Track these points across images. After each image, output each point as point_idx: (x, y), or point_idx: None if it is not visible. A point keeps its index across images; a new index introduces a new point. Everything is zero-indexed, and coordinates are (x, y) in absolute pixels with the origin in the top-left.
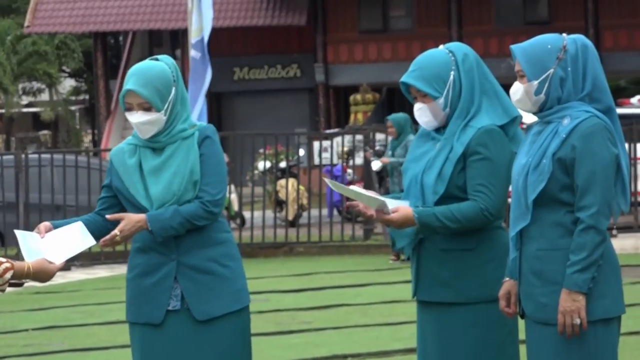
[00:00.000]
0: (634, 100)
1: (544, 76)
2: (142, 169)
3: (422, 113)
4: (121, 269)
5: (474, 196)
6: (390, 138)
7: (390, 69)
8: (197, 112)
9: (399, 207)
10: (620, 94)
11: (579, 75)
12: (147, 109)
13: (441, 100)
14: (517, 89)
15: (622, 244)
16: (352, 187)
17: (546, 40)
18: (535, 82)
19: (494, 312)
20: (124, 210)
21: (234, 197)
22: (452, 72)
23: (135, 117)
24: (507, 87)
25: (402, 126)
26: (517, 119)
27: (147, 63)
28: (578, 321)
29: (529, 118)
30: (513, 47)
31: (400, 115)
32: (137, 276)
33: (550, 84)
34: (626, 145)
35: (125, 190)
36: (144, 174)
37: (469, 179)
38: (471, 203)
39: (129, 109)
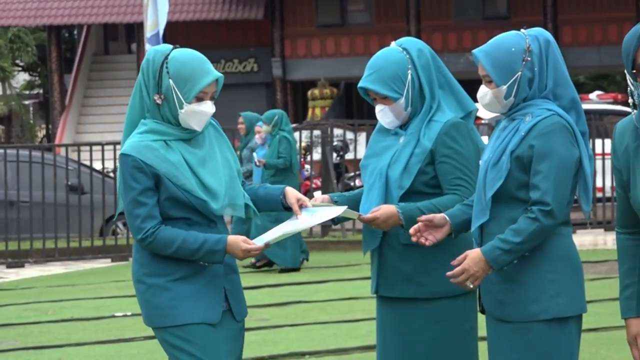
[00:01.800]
0: (592, 95)
1: (512, 80)
2: (188, 163)
3: (384, 115)
4: (76, 266)
5: (454, 190)
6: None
7: (348, 64)
8: None
9: (379, 207)
10: (579, 89)
11: (544, 73)
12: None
13: (402, 101)
14: (485, 94)
15: (581, 240)
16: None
17: (509, 42)
18: (504, 87)
19: (456, 308)
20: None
21: None
22: (410, 71)
23: (209, 107)
24: (466, 82)
25: (252, 124)
26: (472, 113)
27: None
28: (471, 286)
29: (485, 113)
30: (476, 52)
31: (252, 115)
32: (181, 278)
33: (518, 87)
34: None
35: (176, 187)
36: (191, 167)
37: (444, 174)
38: (453, 197)
39: (200, 98)
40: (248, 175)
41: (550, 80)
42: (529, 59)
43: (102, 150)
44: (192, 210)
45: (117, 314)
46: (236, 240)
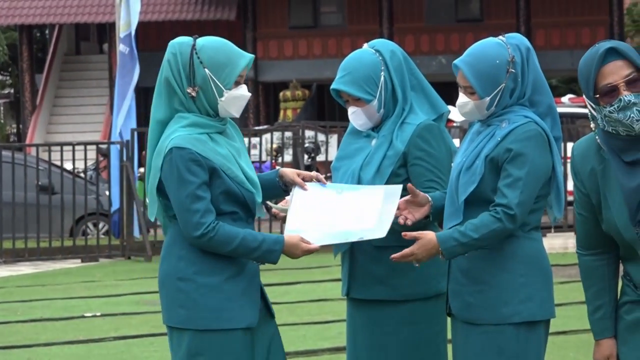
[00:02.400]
0: (565, 99)
1: (495, 92)
2: (233, 155)
3: (357, 116)
4: (46, 266)
5: (427, 192)
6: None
7: (320, 66)
8: (126, 107)
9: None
10: (552, 93)
11: (525, 82)
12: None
13: (375, 103)
14: (466, 104)
15: (552, 243)
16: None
17: (492, 53)
18: (488, 99)
19: (427, 310)
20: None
21: None
22: (382, 73)
23: (246, 90)
24: (439, 85)
25: None
26: (444, 115)
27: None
28: (416, 265)
29: (457, 116)
30: (459, 63)
31: None
32: (229, 279)
33: (501, 97)
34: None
35: (230, 180)
36: (235, 159)
37: (417, 176)
38: None
39: (238, 82)
40: None
41: (529, 88)
42: (512, 70)
43: (73, 150)
44: (240, 204)
45: (86, 314)
46: (294, 239)
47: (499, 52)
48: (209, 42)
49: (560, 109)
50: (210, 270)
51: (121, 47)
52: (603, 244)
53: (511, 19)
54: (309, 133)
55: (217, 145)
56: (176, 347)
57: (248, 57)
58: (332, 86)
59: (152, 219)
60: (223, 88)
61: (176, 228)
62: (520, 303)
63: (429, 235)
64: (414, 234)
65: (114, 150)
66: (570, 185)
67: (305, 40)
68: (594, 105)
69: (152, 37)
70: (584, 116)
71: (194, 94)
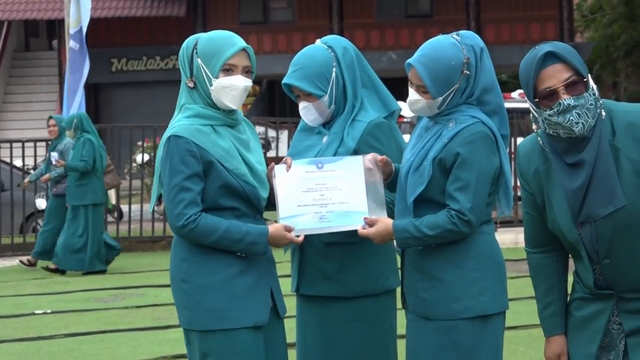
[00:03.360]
0: (515, 94)
1: (448, 92)
2: (237, 148)
3: (308, 112)
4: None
5: None
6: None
7: (270, 61)
8: (77, 104)
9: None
10: (502, 88)
11: (476, 82)
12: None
13: (326, 98)
14: (417, 101)
15: (503, 238)
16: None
17: (447, 56)
18: (440, 98)
19: (377, 306)
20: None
21: (111, 190)
22: (334, 69)
23: (239, 80)
24: (389, 80)
25: (63, 128)
26: (395, 113)
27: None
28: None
29: (408, 112)
30: (414, 63)
31: (63, 117)
32: (230, 277)
33: (453, 97)
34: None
35: (228, 173)
36: (240, 152)
37: None
38: None
39: (229, 71)
40: (59, 180)
41: (479, 89)
42: (467, 72)
43: (23, 147)
44: (242, 199)
45: (37, 312)
46: (278, 229)
47: (454, 54)
48: (210, 34)
49: (510, 105)
50: (211, 270)
51: (71, 44)
52: (551, 241)
53: (461, 14)
54: (259, 129)
55: (220, 137)
56: (191, 348)
57: (238, 46)
58: (284, 81)
59: (151, 210)
60: (211, 77)
61: None
62: (473, 298)
63: (387, 221)
64: (373, 218)
65: None
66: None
67: (255, 36)
68: (535, 108)
69: (101, 34)
70: None
71: (191, 85)
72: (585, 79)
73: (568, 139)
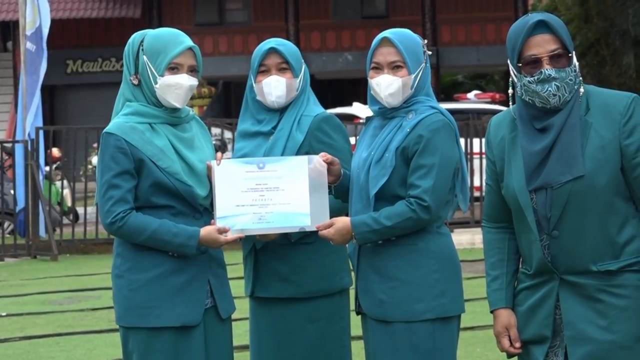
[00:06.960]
0: (470, 95)
1: (418, 70)
2: (175, 147)
3: (278, 85)
4: None
5: None
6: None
7: (226, 63)
8: (34, 106)
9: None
10: (458, 89)
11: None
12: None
13: (298, 80)
14: (393, 82)
15: (459, 239)
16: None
17: (411, 34)
18: (413, 76)
19: (331, 306)
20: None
21: (67, 192)
22: (302, 61)
23: (184, 79)
24: (345, 82)
25: None
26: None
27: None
28: (332, 243)
29: (364, 112)
30: (390, 36)
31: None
32: (161, 275)
33: (421, 79)
34: (462, 141)
35: (160, 171)
36: (177, 151)
37: None
38: None
39: (175, 69)
40: None
41: (427, 80)
42: (429, 52)
43: None
44: (176, 197)
45: None
46: (210, 231)
47: (415, 35)
48: (157, 31)
49: (466, 105)
50: (143, 267)
51: (28, 45)
52: (507, 218)
53: (417, 15)
54: (215, 130)
55: (156, 135)
56: (122, 344)
57: (184, 45)
58: (271, 44)
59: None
60: (157, 74)
61: None
62: (434, 299)
63: (344, 220)
64: (329, 221)
65: (19, 149)
66: (476, 181)
67: (211, 37)
68: (515, 73)
69: (56, 35)
70: (490, 112)
71: (135, 82)
72: (570, 54)
73: (542, 109)
